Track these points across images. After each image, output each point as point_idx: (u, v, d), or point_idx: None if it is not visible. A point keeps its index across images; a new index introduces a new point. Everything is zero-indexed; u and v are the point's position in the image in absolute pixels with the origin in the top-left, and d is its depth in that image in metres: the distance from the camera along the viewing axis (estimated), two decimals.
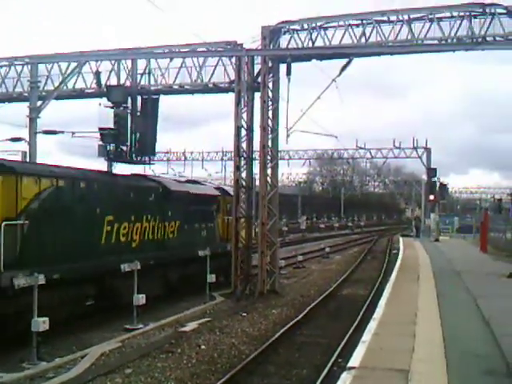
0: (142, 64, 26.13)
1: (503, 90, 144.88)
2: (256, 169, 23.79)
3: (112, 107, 21.83)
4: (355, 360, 9.38)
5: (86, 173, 17.36)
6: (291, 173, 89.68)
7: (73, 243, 15.20)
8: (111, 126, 21.69)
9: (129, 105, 22.87)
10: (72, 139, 25.81)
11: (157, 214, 19.54)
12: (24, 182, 13.92)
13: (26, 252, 13.69)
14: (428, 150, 55.28)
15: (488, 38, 21.46)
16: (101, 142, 21.60)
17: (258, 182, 25.45)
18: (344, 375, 8.56)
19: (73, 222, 15.37)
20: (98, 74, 26.17)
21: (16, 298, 12.97)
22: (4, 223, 13.08)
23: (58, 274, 14.30)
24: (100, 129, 21.65)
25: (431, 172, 51.41)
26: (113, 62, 26.22)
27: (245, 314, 18.50)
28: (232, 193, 24.32)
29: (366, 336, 11.15)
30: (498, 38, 21.53)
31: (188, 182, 26.87)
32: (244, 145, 23.02)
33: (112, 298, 17.26)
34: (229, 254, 23.06)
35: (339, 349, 13.82)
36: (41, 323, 12.42)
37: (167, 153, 67.87)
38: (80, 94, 28.08)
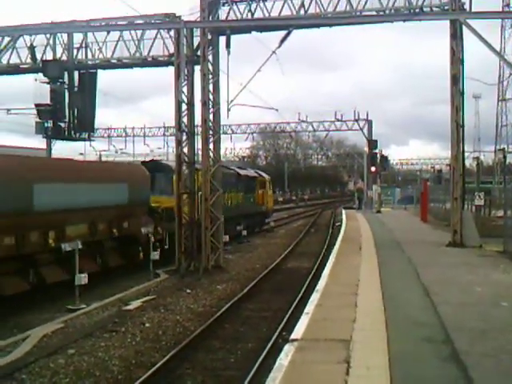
0: (78, 38, 25.38)
1: (436, 61, 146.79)
2: (199, 144, 23.57)
3: (48, 83, 21.31)
4: (298, 332, 9.44)
5: None
6: (234, 148, 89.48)
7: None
8: (48, 102, 21.19)
9: (66, 80, 22.35)
10: (8, 117, 25.18)
11: (235, 188, 34.03)
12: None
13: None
14: (369, 122, 55.82)
15: (425, 9, 21.69)
16: (38, 119, 21.10)
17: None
18: (287, 347, 8.60)
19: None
20: (32, 49, 25.33)
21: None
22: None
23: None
24: (36, 105, 21.12)
25: (372, 144, 51.89)
26: (48, 35, 25.36)
27: (189, 291, 18.43)
28: (264, 175, 42.92)
29: (309, 307, 11.24)
30: (434, 9, 21.78)
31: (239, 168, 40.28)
32: (185, 119, 22.74)
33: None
34: (261, 213, 41.03)
35: (284, 321, 13.91)
36: None
37: (108, 129, 66.90)
38: (15, 70, 27.13)
